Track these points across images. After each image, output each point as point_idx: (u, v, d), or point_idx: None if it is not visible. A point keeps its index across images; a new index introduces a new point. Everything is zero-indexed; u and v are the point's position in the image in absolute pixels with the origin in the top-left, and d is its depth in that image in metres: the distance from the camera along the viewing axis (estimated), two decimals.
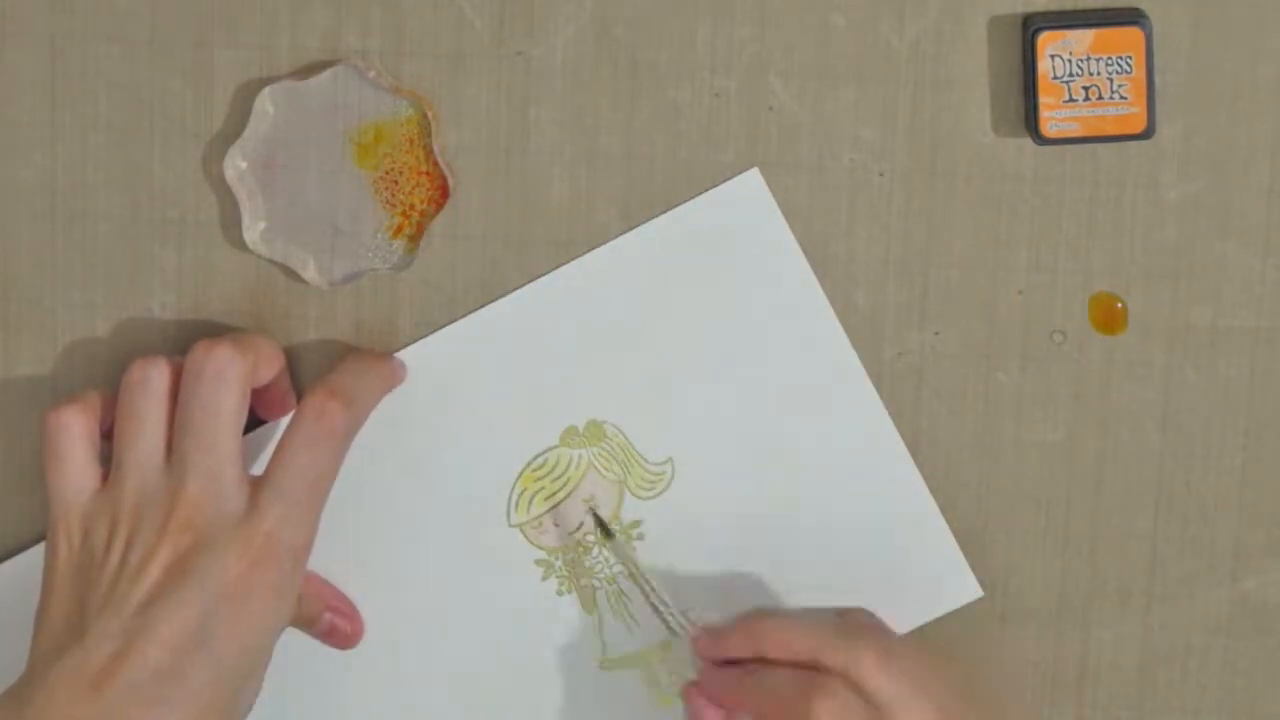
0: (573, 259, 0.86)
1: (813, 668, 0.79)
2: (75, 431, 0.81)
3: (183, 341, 0.87)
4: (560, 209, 0.86)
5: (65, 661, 0.78)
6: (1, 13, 0.86)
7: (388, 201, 0.85)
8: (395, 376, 0.86)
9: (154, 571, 0.79)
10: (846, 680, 0.78)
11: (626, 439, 0.87)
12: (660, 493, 0.87)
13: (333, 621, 0.87)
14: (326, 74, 0.84)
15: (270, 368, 0.83)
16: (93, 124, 0.86)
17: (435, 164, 0.85)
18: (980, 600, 0.88)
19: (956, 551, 0.87)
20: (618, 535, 0.87)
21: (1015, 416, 0.87)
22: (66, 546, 0.81)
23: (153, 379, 0.82)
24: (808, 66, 0.85)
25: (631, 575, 0.85)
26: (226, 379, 0.81)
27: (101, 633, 0.78)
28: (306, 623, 0.86)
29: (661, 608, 0.84)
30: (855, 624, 0.81)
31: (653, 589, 0.85)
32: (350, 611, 0.87)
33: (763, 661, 0.81)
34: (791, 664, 0.80)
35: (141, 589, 0.79)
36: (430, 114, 0.84)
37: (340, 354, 0.86)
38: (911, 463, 0.87)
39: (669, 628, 0.84)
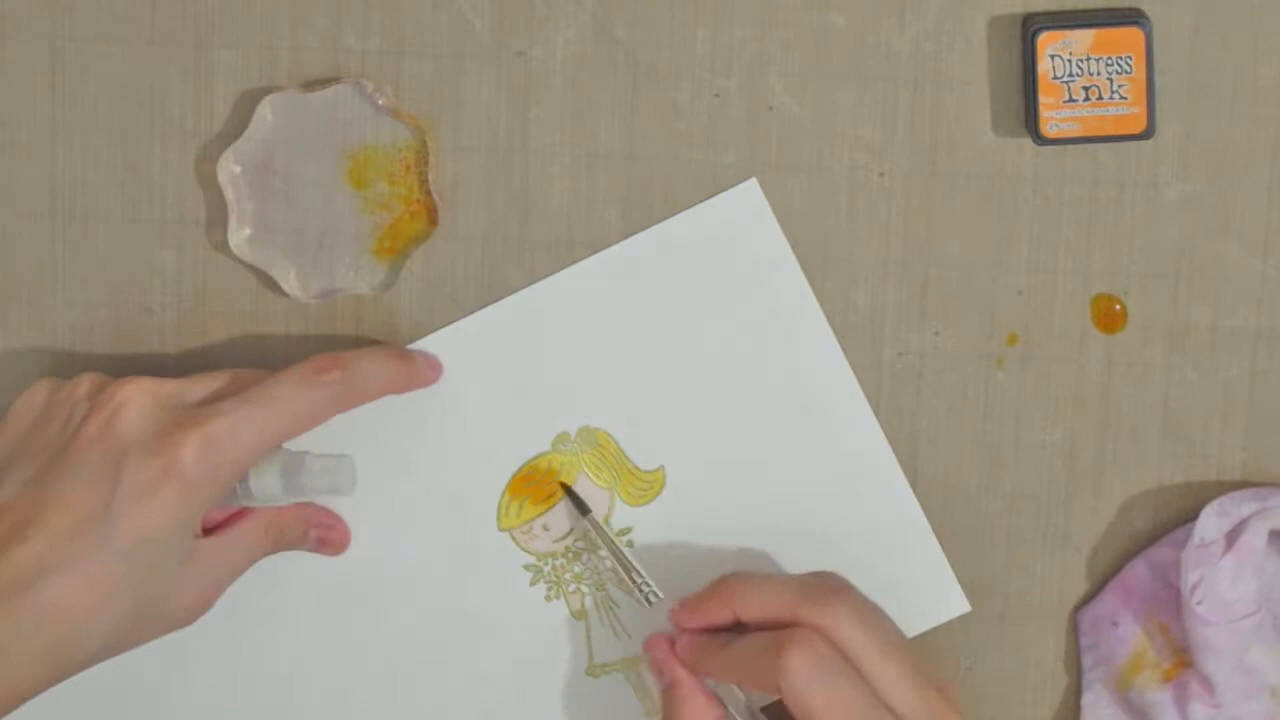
0: (572, 260, 0.86)
1: (788, 625, 0.79)
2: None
3: (182, 341, 0.87)
4: (560, 209, 0.86)
5: None
6: (1, 13, 0.86)
7: (374, 224, 0.85)
8: (413, 378, 0.85)
9: (90, 428, 0.78)
10: (820, 633, 0.78)
11: (618, 446, 0.87)
12: (651, 501, 0.87)
13: (318, 536, 0.86)
14: (330, 89, 0.84)
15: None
16: (93, 124, 0.86)
17: (428, 193, 0.85)
18: (980, 600, 0.88)
19: (945, 565, 0.87)
20: (591, 511, 0.86)
21: (1015, 416, 0.87)
22: (41, 391, 0.81)
23: None
24: (808, 66, 0.85)
25: (607, 547, 0.86)
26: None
27: (18, 479, 0.78)
28: (294, 544, 0.85)
29: (637, 579, 0.85)
30: (827, 582, 0.81)
31: (630, 562, 0.85)
32: (331, 520, 0.86)
33: (738, 628, 0.81)
34: (767, 625, 0.80)
35: (70, 440, 0.78)
36: (429, 142, 0.84)
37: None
38: (902, 475, 0.87)
39: (645, 600, 0.85)
